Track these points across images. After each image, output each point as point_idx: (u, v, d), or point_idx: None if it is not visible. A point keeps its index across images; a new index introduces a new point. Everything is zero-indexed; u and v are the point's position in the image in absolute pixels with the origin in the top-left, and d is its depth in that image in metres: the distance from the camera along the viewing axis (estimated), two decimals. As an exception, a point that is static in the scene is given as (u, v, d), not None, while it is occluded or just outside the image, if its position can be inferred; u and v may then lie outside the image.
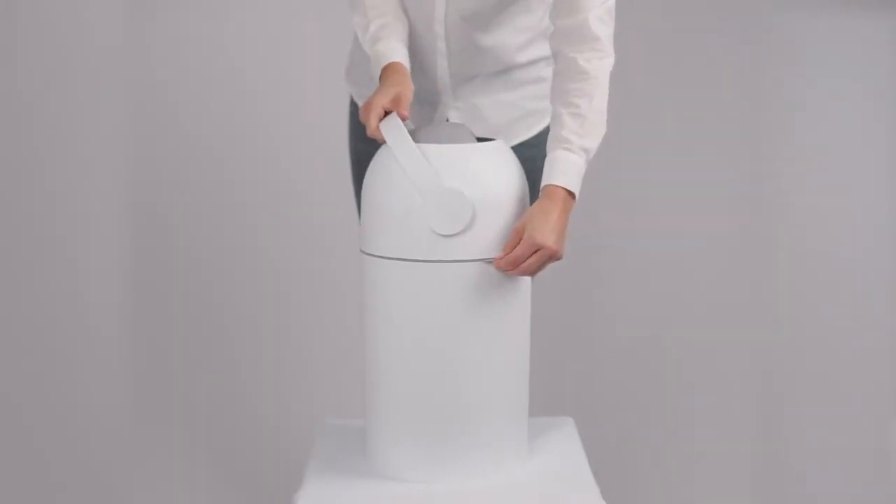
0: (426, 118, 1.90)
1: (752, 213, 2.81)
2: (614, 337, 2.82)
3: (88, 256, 2.68)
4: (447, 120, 1.89)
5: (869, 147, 2.83)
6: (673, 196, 2.81)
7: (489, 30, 1.83)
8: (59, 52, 2.64)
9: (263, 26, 2.75)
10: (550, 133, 1.71)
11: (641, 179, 2.80)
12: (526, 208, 1.71)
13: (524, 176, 1.73)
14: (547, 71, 1.87)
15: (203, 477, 2.68)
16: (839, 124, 2.82)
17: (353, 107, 2.05)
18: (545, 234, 1.62)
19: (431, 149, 1.67)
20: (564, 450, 1.85)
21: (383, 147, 1.70)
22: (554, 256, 1.64)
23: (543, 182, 1.68)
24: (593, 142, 1.70)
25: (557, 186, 1.66)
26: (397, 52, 1.76)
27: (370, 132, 1.69)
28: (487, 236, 1.65)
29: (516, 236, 1.64)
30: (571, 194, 1.67)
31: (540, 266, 1.65)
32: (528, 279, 1.73)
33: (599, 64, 1.71)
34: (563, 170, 1.67)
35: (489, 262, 1.66)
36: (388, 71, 1.74)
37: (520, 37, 1.85)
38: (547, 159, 1.69)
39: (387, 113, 1.69)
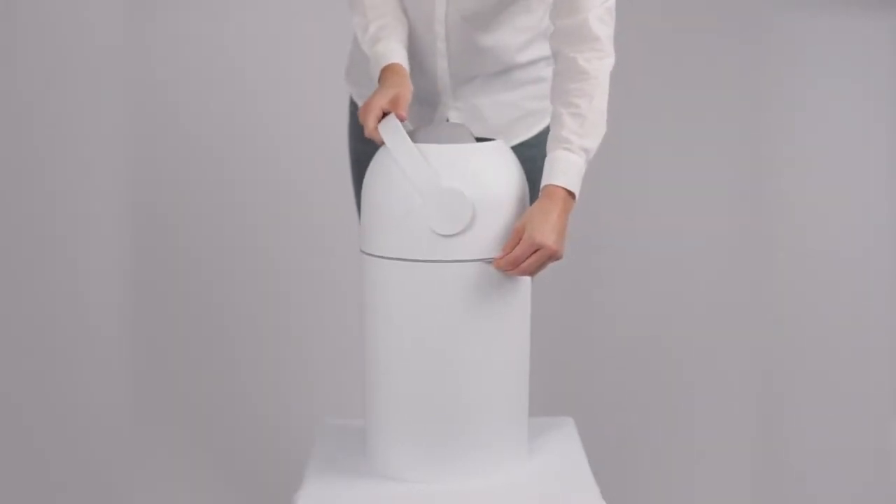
0: (426, 118, 1.90)
1: (752, 213, 2.81)
2: (614, 337, 2.82)
3: (88, 256, 2.68)
4: (447, 120, 1.89)
5: (869, 147, 2.83)
6: (673, 196, 2.81)
7: (489, 30, 1.83)
8: (59, 52, 2.64)
9: (263, 26, 2.75)
10: (550, 133, 1.72)
11: (641, 179, 2.80)
12: (526, 208, 1.71)
13: (524, 176, 1.73)
14: (547, 71, 1.87)
15: (203, 477, 2.68)
16: (839, 124, 2.82)
17: (353, 107, 2.05)
18: (545, 234, 1.62)
19: (431, 149, 1.67)
20: (564, 450, 1.85)
21: (383, 147, 1.70)
22: (554, 256, 1.64)
23: (543, 182, 1.68)
24: (593, 142, 1.70)
25: (557, 186, 1.66)
26: (396, 53, 1.76)
27: (368, 133, 1.69)
28: (487, 236, 1.65)
29: (516, 236, 1.64)
30: (571, 194, 1.67)
31: (540, 266, 1.65)
32: (528, 279, 1.73)
33: (599, 64, 1.71)
34: (563, 170, 1.67)
35: (489, 262, 1.66)
36: (387, 72, 1.74)
37: (520, 37, 1.85)
38: (547, 159, 1.69)
39: (385, 114, 1.69)
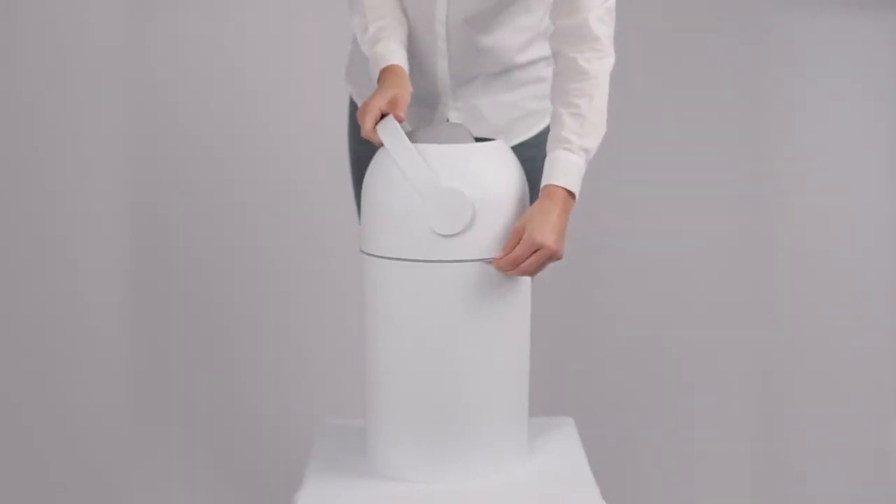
0: (426, 119, 1.90)
1: (752, 213, 2.81)
2: (614, 337, 2.82)
3: (88, 256, 2.68)
4: (447, 120, 1.89)
5: (869, 147, 2.83)
6: (673, 196, 2.81)
7: (490, 30, 1.83)
8: (59, 52, 2.64)
9: (263, 26, 2.75)
10: (550, 133, 1.72)
11: (641, 179, 2.80)
12: (526, 208, 1.71)
13: (524, 176, 1.73)
14: (547, 71, 1.87)
15: (203, 477, 2.68)
16: (839, 124, 2.82)
17: (353, 107, 2.05)
18: (545, 234, 1.62)
19: (431, 149, 1.67)
20: (564, 450, 1.85)
21: (382, 148, 1.70)
22: (554, 256, 1.64)
23: (543, 182, 1.68)
24: (593, 142, 1.70)
25: (557, 186, 1.66)
26: (396, 55, 1.76)
27: (365, 134, 1.69)
28: (487, 236, 1.65)
29: (516, 236, 1.64)
30: (571, 194, 1.67)
31: (540, 266, 1.65)
32: (528, 279, 1.73)
33: (599, 64, 1.72)
34: (563, 170, 1.67)
35: (489, 262, 1.66)
36: (386, 73, 1.74)
37: (520, 37, 1.85)
38: (547, 159, 1.69)
39: (384, 115, 1.69)
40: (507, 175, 1.69)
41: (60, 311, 2.66)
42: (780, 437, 2.78)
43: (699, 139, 2.81)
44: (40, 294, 2.66)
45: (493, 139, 1.76)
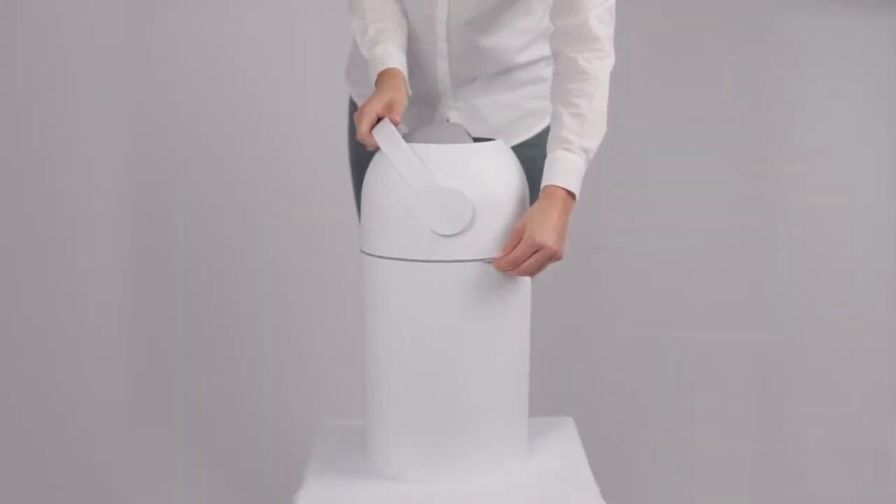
0: (426, 119, 1.90)
1: (752, 213, 2.81)
2: (614, 337, 2.82)
3: (88, 256, 2.68)
4: (447, 120, 1.90)
5: (869, 147, 2.83)
6: (673, 196, 2.81)
7: (490, 31, 1.83)
8: (59, 52, 2.64)
9: (263, 26, 2.75)
10: (550, 133, 1.72)
11: (641, 179, 2.80)
12: (526, 208, 1.71)
13: (524, 176, 1.73)
14: (547, 71, 1.87)
15: (203, 477, 2.68)
16: (839, 124, 2.82)
17: (353, 107, 2.05)
18: (545, 235, 1.62)
19: (431, 149, 1.67)
20: (564, 450, 1.85)
21: (379, 152, 1.70)
22: (554, 257, 1.64)
23: (543, 182, 1.68)
24: (593, 142, 1.70)
25: (557, 187, 1.66)
26: (394, 58, 1.76)
27: (360, 137, 1.69)
28: (487, 236, 1.65)
29: (516, 236, 1.64)
30: (571, 194, 1.67)
31: (540, 266, 1.65)
32: (528, 279, 1.73)
33: (599, 64, 1.72)
34: (563, 170, 1.67)
35: (489, 262, 1.66)
36: (384, 77, 1.74)
37: (520, 38, 1.85)
38: (547, 159, 1.69)
39: (379, 119, 1.69)
40: (507, 175, 1.69)
41: (60, 311, 2.66)
42: (780, 437, 2.78)
43: (699, 139, 2.81)
44: (40, 294, 2.66)
45: (493, 139, 1.76)
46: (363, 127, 1.68)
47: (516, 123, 1.92)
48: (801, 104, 2.81)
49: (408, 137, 1.70)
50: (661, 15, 2.74)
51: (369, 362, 1.75)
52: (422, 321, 1.67)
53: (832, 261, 2.82)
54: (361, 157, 1.95)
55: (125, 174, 2.70)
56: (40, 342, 2.65)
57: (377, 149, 1.69)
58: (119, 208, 2.69)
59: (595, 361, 2.82)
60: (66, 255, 2.67)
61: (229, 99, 2.74)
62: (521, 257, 1.63)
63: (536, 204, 1.67)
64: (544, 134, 1.77)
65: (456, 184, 1.63)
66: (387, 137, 1.67)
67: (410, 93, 1.77)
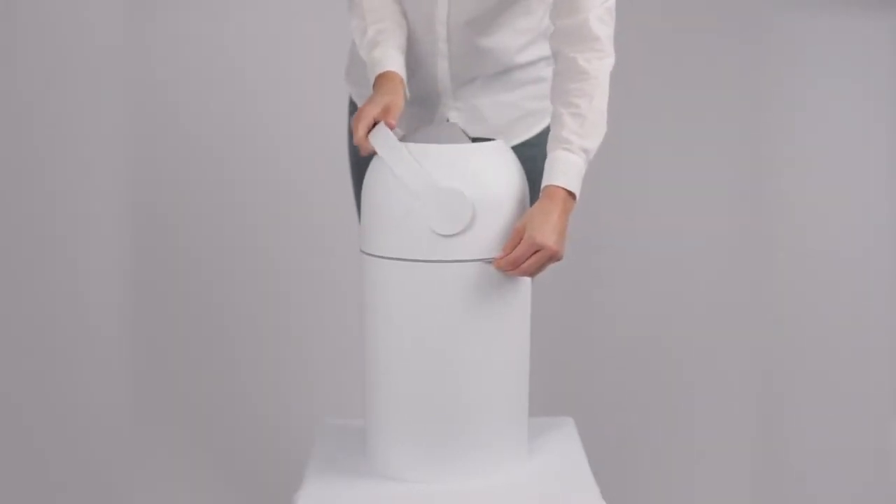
0: (426, 119, 1.90)
1: (752, 213, 2.81)
2: (614, 337, 2.82)
3: (88, 256, 2.68)
4: (447, 120, 1.90)
5: (869, 147, 2.83)
6: (673, 196, 2.81)
7: (490, 32, 1.83)
8: (59, 52, 2.64)
9: (263, 26, 2.75)
10: (551, 133, 1.72)
11: (641, 179, 2.80)
12: (526, 208, 1.71)
13: (524, 176, 1.73)
14: (547, 71, 1.87)
15: (203, 477, 2.68)
16: (839, 124, 2.82)
17: (353, 107, 2.05)
18: (545, 235, 1.62)
19: (431, 149, 1.67)
20: (564, 450, 1.85)
21: (376, 156, 1.70)
22: (554, 257, 1.64)
23: (544, 182, 1.68)
24: (593, 142, 1.70)
25: (558, 187, 1.66)
26: (393, 60, 1.76)
27: (357, 141, 1.69)
28: (487, 236, 1.65)
29: (516, 236, 1.64)
30: (572, 195, 1.67)
31: (540, 266, 1.65)
32: (528, 279, 1.73)
33: (599, 64, 1.72)
34: (564, 170, 1.67)
35: (489, 262, 1.66)
36: (382, 80, 1.74)
37: (520, 38, 1.85)
38: (547, 160, 1.69)
39: (376, 122, 1.69)
40: (507, 175, 1.69)
41: (60, 311, 2.66)
42: (780, 437, 2.78)
43: (699, 139, 2.81)
44: (40, 294, 2.66)
45: (492, 139, 1.76)
46: (360, 131, 1.68)
47: (516, 123, 1.92)
48: (801, 104, 2.81)
49: (405, 138, 1.70)
50: (661, 15, 2.74)
51: (369, 362, 1.75)
52: (422, 321, 1.67)
53: (832, 261, 2.82)
54: (361, 157, 1.94)
55: (125, 174, 2.70)
56: (40, 342, 2.65)
57: (374, 153, 1.69)
58: (119, 208, 2.69)
59: (595, 361, 2.82)
60: (66, 255, 2.67)
61: (229, 99, 2.74)
62: (522, 257, 1.63)
63: (537, 204, 1.67)
64: (544, 134, 1.77)
65: (456, 184, 1.63)
66: (383, 141, 1.67)
67: (409, 95, 1.77)
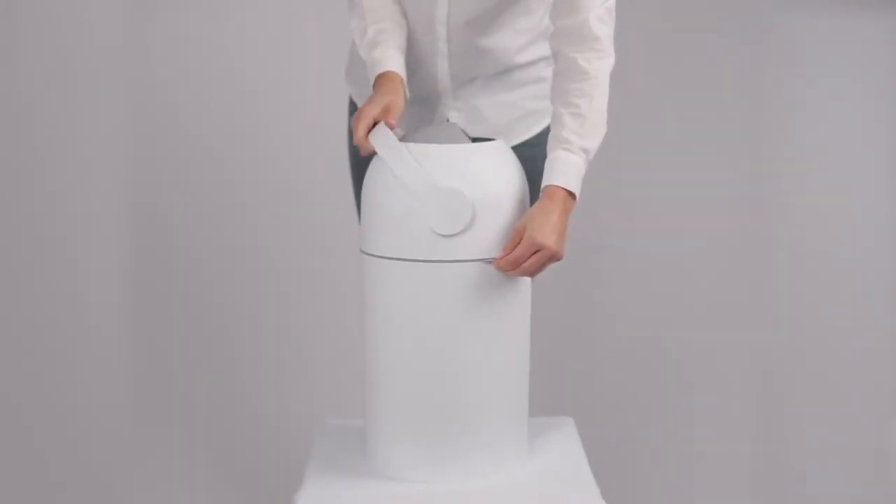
0: (426, 118, 1.91)
1: (752, 213, 2.81)
2: (614, 337, 2.82)
3: (88, 256, 2.68)
4: (447, 120, 1.90)
5: (869, 147, 2.83)
6: (673, 196, 2.81)
7: (490, 32, 1.83)
8: (59, 52, 2.64)
9: (263, 26, 2.75)
10: (551, 133, 1.72)
11: (641, 179, 2.80)
12: (526, 208, 1.71)
13: (524, 176, 1.73)
14: (547, 71, 1.87)
15: (203, 477, 2.68)
16: (839, 124, 2.82)
17: (353, 107, 2.05)
18: (545, 235, 1.62)
19: (432, 149, 1.67)
20: (564, 450, 1.85)
21: (376, 156, 1.70)
22: (554, 257, 1.64)
23: (544, 182, 1.68)
24: (593, 142, 1.70)
25: (558, 187, 1.66)
26: (393, 60, 1.76)
27: (357, 141, 1.69)
28: (487, 236, 1.65)
29: (516, 236, 1.64)
30: (572, 195, 1.67)
31: (540, 267, 1.65)
32: (528, 279, 1.73)
33: (599, 64, 1.72)
34: (564, 170, 1.67)
35: (489, 262, 1.66)
36: (382, 80, 1.74)
37: (520, 38, 1.85)
38: (547, 160, 1.69)
39: (376, 122, 1.70)
40: (507, 175, 1.69)
41: (60, 311, 2.66)
42: (780, 437, 2.78)
43: (699, 139, 2.81)
44: (40, 294, 2.66)
45: (492, 139, 1.76)
46: (360, 131, 1.68)
47: (516, 123, 1.92)
48: (801, 104, 2.81)
49: (405, 138, 1.70)
50: (661, 15, 2.74)
51: (369, 362, 1.75)
52: (422, 321, 1.67)
53: (832, 261, 2.82)
54: (361, 157, 1.94)
55: (125, 174, 2.70)
56: (40, 342, 2.65)
57: (374, 153, 1.69)
58: (119, 208, 2.69)
59: (595, 361, 2.82)
60: (66, 255, 2.67)
61: (229, 99, 2.74)
62: (522, 257, 1.63)
63: (537, 204, 1.67)
64: (544, 134, 1.77)
65: (456, 184, 1.63)
66: (383, 141, 1.68)
67: (409, 95, 1.77)
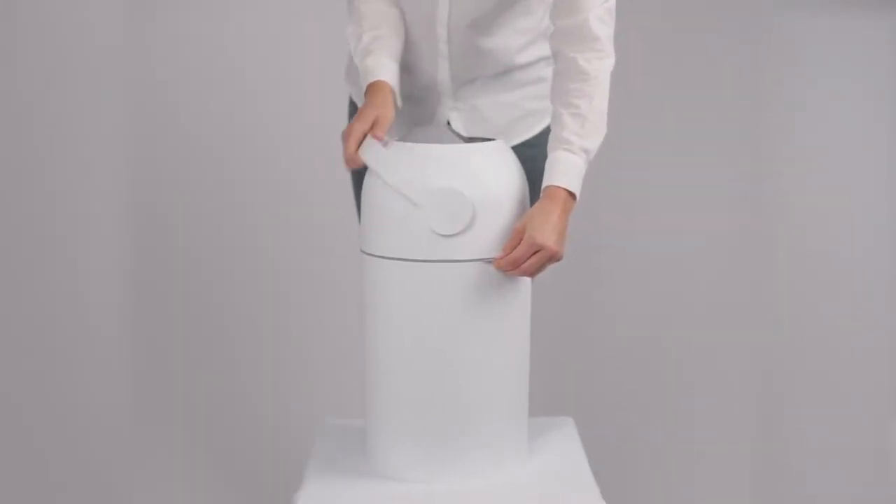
0: (426, 119, 1.91)
1: (752, 213, 2.81)
2: (614, 337, 2.82)
3: (88, 256, 2.68)
4: (448, 123, 1.90)
5: (869, 147, 2.83)
6: (673, 196, 2.81)
7: (490, 32, 1.83)
8: (59, 52, 2.64)
9: (263, 26, 2.75)
10: (551, 134, 1.72)
11: (641, 179, 2.80)
12: (526, 208, 1.71)
13: (524, 176, 1.73)
14: (547, 71, 1.87)
15: (203, 477, 2.68)
16: (839, 124, 2.82)
17: (353, 107, 2.05)
18: (546, 235, 1.62)
19: (434, 149, 1.67)
20: (564, 450, 1.85)
21: (369, 171, 1.70)
22: (554, 257, 1.64)
23: (544, 183, 1.68)
24: (594, 142, 1.70)
25: (558, 187, 1.66)
26: (385, 69, 1.77)
27: (347, 158, 1.69)
28: (487, 236, 1.65)
29: (517, 237, 1.64)
30: (572, 195, 1.68)
31: (540, 267, 1.65)
32: (528, 279, 1.73)
33: (599, 64, 1.72)
34: (564, 170, 1.67)
35: (489, 262, 1.66)
36: (372, 91, 1.75)
37: (520, 38, 1.85)
38: (547, 160, 1.69)
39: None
40: (507, 175, 1.69)
41: (60, 311, 2.66)
42: (780, 437, 2.78)
43: (699, 139, 2.81)
44: (40, 294, 2.65)
45: (493, 139, 1.76)
46: (350, 147, 1.69)
47: (516, 123, 1.92)
48: (801, 104, 2.81)
49: (405, 139, 1.70)
50: (661, 15, 2.74)
51: (369, 362, 1.75)
52: (422, 321, 1.67)
53: (832, 261, 2.82)
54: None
55: (125, 174, 2.70)
56: (40, 342, 2.65)
57: (364, 167, 1.69)
58: (119, 208, 2.69)
59: (595, 361, 2.82)
60: (66, 255, 2.67)
61: (229, 99, 2.74)
62: (522, 257, 1.63)
63: (537, 204, 1.67)
64: (544, 134, 1.77)
65: (456, 184, 1.63)
66: (373, 156, 1.68)
67: (400, 104, 1.78)
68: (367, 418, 1.78)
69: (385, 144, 1.69)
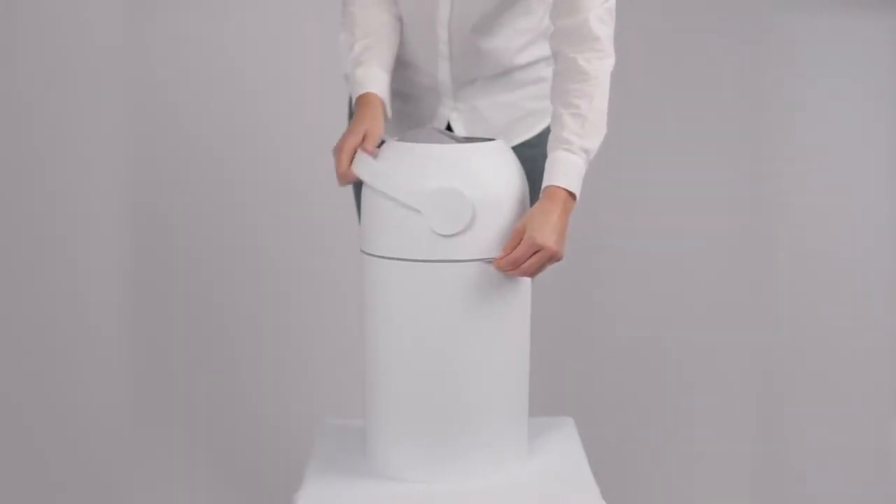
0: (426, 119, 1.91)
1: (752, 213, 2.81)
2: (614, 337, 2.82)
3: (88, 256, 2.68)
4: (448, 123, 1.90)
5: (869, 147, 2.83)
6: (673, 196, 2.81)
7: (490, 33, 1.83)
8: (59, 52, 2.64)
9: (263, 26, 2.75)
10: (551, 134, 1.72)
11: (641, 179, 2.80)
12: (526, 208, 1.71)
13: (524, 176, 1.73)
14: (547, 71, 1.87)
15: (203, 477, 2.68)
16: (839, 124, 2.82)
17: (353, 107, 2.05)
18: (546, 235, 1.62)
19: (434, 149, 1.67)
20: (564, 450, 1.85)
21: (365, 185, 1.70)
22: (554, 257, 1.64)
23: (544, 183, 1.68)
24: (594, 142, 1.70)
25: (558, 187, 1.66)
26: (375, 80, 1.77)
27: (339, 172, 1.70)
28: (487, 236, 1.65)
29: (517, 237, 1.64)
30: (572, 195, 1.68)
31: (540, 267, 1.65)
32: (528, 279, 1.73)
33: (599, 64, 1.72)
34: (564, 171, 1.67)
35: (489, 262, 1.66)
36: (362, 103, 1.76)
37: (520, 39, 1.85)
38: (547, 160, 1.69)
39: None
40: (507, 175, 1.69)
41: (60, 311, 2.66)
42: (780, 437, 2.78)
43: (699, 139, 2.81)
44: (40, 294, 2.65)
45: (493, 139, 1.76)
46: (343, 163, 1.69)
47: (517, 124, 1.92)
48: (801, 104, 2.82)
49: (403, 139, 1.70)
50: (661, 15, 2.74)
51: (369, 362, 1.75)
52: (422, 321, 1.67)
53: (832, 261, 2.82)
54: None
55: (125, 174, 2.70)
56: (40, 342, 2.65)
57: (357, 181, 1.70)
58: (119, 208, 2.69)
59: (595, 361, 2.82)
60: (66, 255, 2.67)
61: (229, 99, 2.74)
62: (522, 258, 1.63)
63: (537, 204, 1.67)
64: (545, 134, 1.77)
65: (456, 184, 1.63)
66: (366, 169, 1.68)
67: (390, 115, 1.78)
68: (367, 418, 1.78)
69: (375, 157, 1.69)
